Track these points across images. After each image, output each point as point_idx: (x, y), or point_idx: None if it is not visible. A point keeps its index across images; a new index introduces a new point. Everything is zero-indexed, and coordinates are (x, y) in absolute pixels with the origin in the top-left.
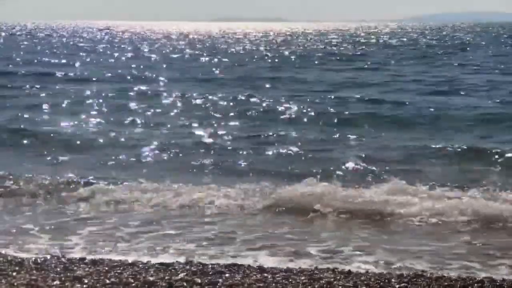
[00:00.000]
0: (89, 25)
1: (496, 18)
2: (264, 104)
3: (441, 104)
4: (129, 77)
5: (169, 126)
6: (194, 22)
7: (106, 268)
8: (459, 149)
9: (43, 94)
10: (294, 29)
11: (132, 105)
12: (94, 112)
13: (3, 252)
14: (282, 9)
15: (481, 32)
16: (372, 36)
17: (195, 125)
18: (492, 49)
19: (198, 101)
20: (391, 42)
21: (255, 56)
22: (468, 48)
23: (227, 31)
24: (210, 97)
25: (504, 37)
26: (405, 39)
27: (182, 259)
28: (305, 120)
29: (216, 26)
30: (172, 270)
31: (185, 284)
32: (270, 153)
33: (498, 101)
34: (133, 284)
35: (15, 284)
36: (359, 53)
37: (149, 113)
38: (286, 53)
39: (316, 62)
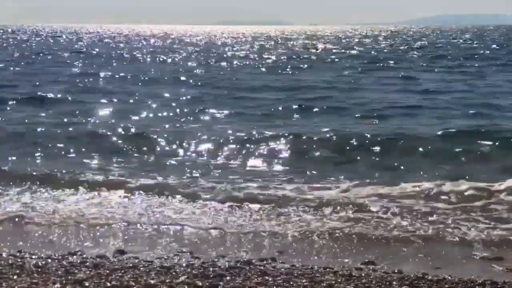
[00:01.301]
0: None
1: (500, 21)
2: None
3: None
4: None
5: None
6: (195, 26)
7: (107, 271)
8: None
9: None
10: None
11: None
12: None
13: (3, 255)
14: (283, 12)
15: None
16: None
17: None
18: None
19: None
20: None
21: None
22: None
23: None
24: None
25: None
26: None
27: (183, 261)
28: None
29: (212, 29)
30: (173, 273)
31: (186, 287)
32: None
33: None
34: (134, 287)
35: (16, 287)
36: None
37: None
38: None
39: None
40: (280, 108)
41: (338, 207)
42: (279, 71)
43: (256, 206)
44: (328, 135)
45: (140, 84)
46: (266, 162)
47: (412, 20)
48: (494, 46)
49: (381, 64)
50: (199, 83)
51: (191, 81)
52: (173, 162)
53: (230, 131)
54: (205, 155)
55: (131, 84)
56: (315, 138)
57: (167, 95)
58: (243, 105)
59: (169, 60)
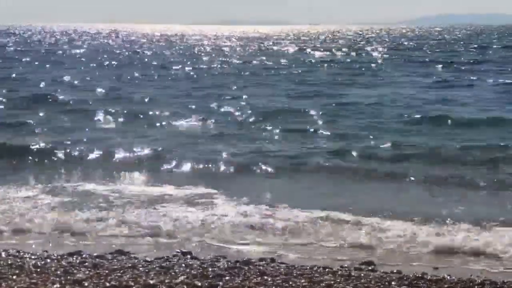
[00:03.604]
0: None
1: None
2: None
3: None
4: None
5: None
6: (199, 26)
7: (107, 271)
8: None
9: None
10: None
11: None
12: None
13: (3, 255)
14: (289, 12)
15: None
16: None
17: None
18: None
19: None
20: None
21: None
22: None
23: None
24: None
25: None
26: None
27: (182, 261)
28: None
29: (217, 29)
30: (173, 273)
31: (185, 287)
32: None
33: None
34: (134, 287)
35: (15, 287)
36: None
37: None
38: None
39: None
40: None
41: None
42: None
43: None
44: None
45: None
46: None
47: (412, 20)
48: None
49: None
50: None
51: None
52: None
53: None
54: None
55: None
56: None
57: None
58: None
59: None
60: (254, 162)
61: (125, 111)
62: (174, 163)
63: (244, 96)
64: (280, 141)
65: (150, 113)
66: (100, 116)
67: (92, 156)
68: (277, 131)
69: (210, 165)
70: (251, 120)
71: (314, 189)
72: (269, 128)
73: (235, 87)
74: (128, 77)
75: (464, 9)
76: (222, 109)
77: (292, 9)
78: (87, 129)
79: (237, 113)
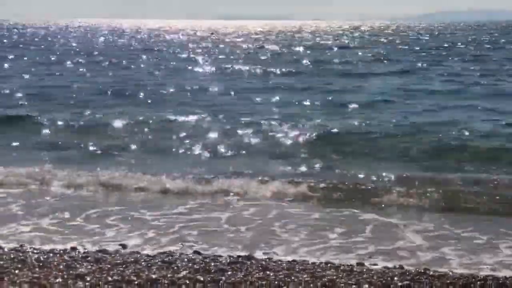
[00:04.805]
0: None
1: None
2: None
3: None
4: None
5: None
6: (201, 20)
7: (109, 266)
8: None
9: None
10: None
11: None
12: None
13: (5, 249)
14: (292, 7)
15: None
16: None
17: None
18: None
19: None
20: None
21: None
22: None
23: None
24: None
25: None
26: None
27: (184, 256)
28: None
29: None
30: (175, 267)
31: (187, 281)
32: None
33: None
34: (136, 282)
35: (18, 281)
36: None
37: None
38: None
39: None
40: None
41: None
42: None
43: None
44: None
45: None
46: None
47: (413, 17)
48: None
49: None
50: None
51: None
52: None
53: None
54: None
55: None
56: None
57: None
58: None
59: None
60: None
61: None
62: None
63: None
64: None
65: None
66: None
67: None
68: None
69: None
70: None
71: None
72: None
73: None
74: None
75: (456, 7)
76: None
77: (284, 3)
78: None
79: None
